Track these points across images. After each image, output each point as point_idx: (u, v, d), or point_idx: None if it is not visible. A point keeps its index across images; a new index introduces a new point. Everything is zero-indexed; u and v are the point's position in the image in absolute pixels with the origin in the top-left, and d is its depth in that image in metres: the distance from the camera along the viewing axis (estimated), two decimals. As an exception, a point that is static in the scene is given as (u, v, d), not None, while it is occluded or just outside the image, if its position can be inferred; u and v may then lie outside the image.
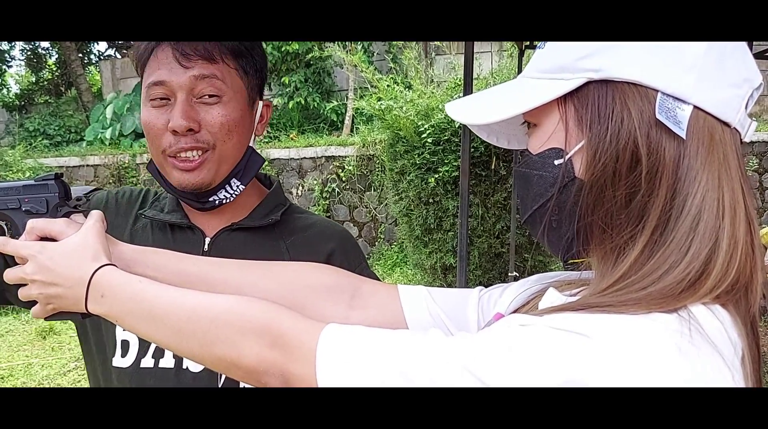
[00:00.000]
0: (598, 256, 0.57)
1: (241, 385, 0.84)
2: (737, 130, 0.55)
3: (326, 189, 6.92)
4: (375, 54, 8.69)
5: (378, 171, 6.62)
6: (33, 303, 0.71)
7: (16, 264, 0.72)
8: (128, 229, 0.93)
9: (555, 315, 0.51)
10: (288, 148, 7.22)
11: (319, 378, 0.53)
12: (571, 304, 0.53)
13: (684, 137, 0.52)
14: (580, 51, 0.55)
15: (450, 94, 4.87)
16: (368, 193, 6.80)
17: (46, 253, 0.68)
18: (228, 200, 0.91)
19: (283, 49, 8.25)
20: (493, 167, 4.35)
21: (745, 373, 0.50)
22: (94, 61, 13.70)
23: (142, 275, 0.68)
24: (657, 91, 0.52)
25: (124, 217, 0.95)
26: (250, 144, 0.93)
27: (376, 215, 6.81)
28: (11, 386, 4.04)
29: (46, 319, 0.73)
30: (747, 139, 0.57)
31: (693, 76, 0.52)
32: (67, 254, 0.68)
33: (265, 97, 0.96)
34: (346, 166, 6.83)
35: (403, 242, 5.93)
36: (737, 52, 0.54)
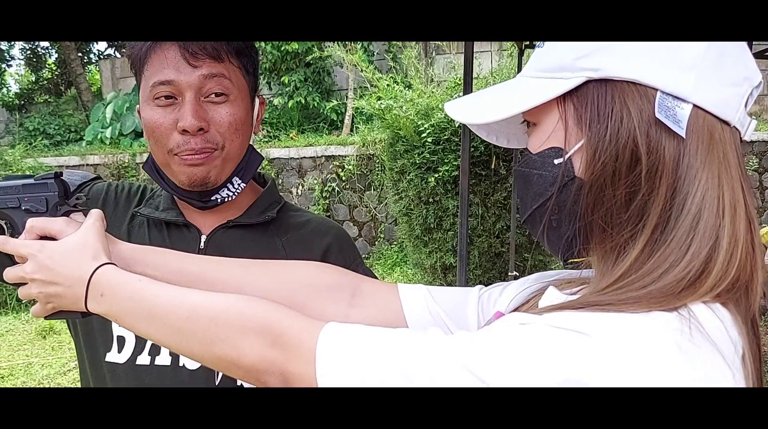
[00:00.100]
0: (598, 255, 0.57)
1: (239, 383, 0.84)
2: (737, 129, 0.55)
3: (326, 188, 6.92)
4: (375, 53, 8.69)
5: (378, 170, 6.62)
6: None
7: (17, 263, 0.72)
8: (125, 226, 0.93)
9: (555, 313, 0.51)
10: (288, 147, 7.22)
11: (318, 377, 0.53)
12: (571, 303, 0.53)
13: (684, 136, 0.52)
14: (580, 50, 0.55)
15: (450, 93, 4.87)
16: (368, 192, 6.81)
17: (45, 252, 0.68)
18: (230, 199, 0.91)
19: (282, 48, 8.25)
20: (493, 167, 4.35)
21: (745, 372, 0.50)
22: (93, 61, 13.70)
23: (142, 274, 0.68)
24: (656, 89, 0.52)
25: (121, 213, 0.95)
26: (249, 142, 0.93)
27: (375, 215, 6.81)
28: (11, 386, 4.04)
29: (45, 318, 0.73)
30: (747, 138, 0.57)
31: (692, 75, 0.52)
32: (66, 253, 0.68)
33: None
34: (345, 166, 6.83)
35: (403, 242, 5.93)
36: (737, 51, 0.54)
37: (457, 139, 4.26)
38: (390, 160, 4.81)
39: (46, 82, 13.11)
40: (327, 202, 6.91)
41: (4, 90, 12.99)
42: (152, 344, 0.87)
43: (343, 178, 6.87)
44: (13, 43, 11.68)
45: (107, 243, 0.72)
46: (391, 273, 6.24)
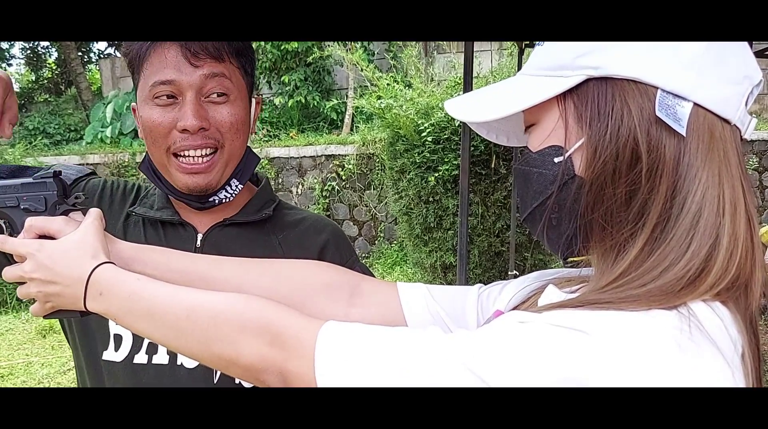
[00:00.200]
0: (597, 253, 0.57)
1: (237, 382, 0.84)
2: (737, 127, 0.54)
3: (326, 188, 6.92)
4: (375, 53, 8.68)
5: (378, 170, 6.62)
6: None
7: (16, 262, 0.72)
8: (120, 224, 0.93)
9: (554, 312, 0.51)
10: (288, 146, 7.22)
11: (317, 376, 0.53)
12: (571, 301, 0.53)
13: (684, 134, 0.51)
14: (580, 48, 0.55)
15: (450, 92, 4.87)
16: (368, 191, 6.81)
17: (44, 252, 0.68)
18: (228, 199, 0.91)
19: (282, 47, 8.25)
20: (493, 166, 4.35)
21: (745, 371, 0.50)
22: (93, 60, 13.70)
23: (141, 273, 0.68)
24: (657, 88, 0.52)
25: (116, 211, 0.94)
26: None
27: (375, 214, 6.81)
28: (11, 385, 4.05)
29: (45, 317, 0.73)
30: (747, 137, 0.57)
31: (693, 73, 0.52)
32: (65, 252, 0.68)
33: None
34: (345, 165, 6.83)
35: (403, 241, 5.93)
36: (737, 49, 0.54)
37: (457, 139, 4.26)
38: (390, 159, 4.81)
39: (46, 81, 13.12)
40: (327, 201, 6.92)
41: (4, 89, 12.96)
42: (149, 342, 0.86)
43: (343, 178, 6.87)
44: (13, 42, 11.67)
45: (106, 242, 0.72)
46: (391, 272, 6.25)
